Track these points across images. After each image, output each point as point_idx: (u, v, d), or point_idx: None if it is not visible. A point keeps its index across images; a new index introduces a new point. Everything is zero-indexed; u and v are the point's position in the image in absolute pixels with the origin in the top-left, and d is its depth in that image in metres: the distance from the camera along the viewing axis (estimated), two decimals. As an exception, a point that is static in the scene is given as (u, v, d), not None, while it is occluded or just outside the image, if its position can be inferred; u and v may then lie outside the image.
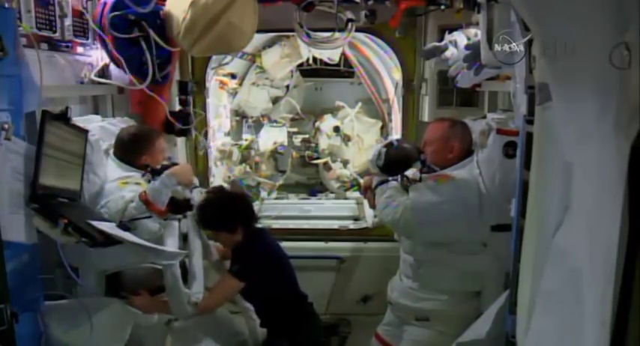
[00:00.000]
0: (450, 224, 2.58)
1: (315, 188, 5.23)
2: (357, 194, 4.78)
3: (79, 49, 2.74)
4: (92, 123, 2.67)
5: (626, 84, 1.14)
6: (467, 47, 2.73)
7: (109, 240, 2.08)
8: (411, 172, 2.83)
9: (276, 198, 4.96)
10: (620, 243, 1.19)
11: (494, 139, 2.57)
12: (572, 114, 1.43)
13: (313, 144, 5.17)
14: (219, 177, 4.52)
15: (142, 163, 2.66)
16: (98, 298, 2.48)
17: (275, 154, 5.04)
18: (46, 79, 1.99)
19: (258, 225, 3.04)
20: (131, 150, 2.67)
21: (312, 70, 5.16)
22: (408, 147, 2.81)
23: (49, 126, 2.01)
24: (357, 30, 2.99)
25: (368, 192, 2.95)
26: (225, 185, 4.52)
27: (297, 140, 5.23)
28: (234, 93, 5.03)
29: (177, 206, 2.58)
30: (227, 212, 2.79)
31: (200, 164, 3.97)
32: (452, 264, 2.69)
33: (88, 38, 2.74)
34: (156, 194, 2.40)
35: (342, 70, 5.11)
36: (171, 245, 2.57)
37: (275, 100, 5.19)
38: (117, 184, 2.49)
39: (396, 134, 4.14)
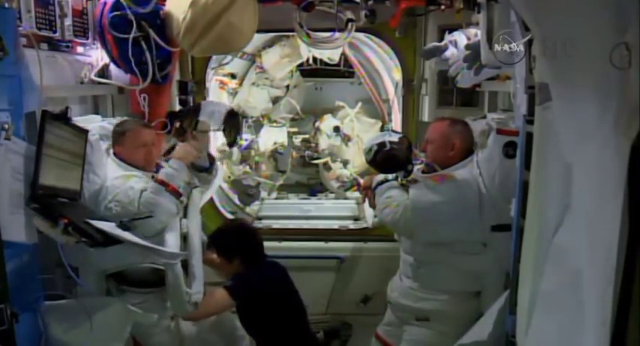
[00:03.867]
0: (450, 224, 2.58)
1: (315, 188, 5.23)
2: (357, 194, 4.78)
3: (79, 49, 2.74)
4: (92, 123, 2.67)
5: (626, 84, 1.14)
6: (467, 47, 2.73)
7: (109, 240, 2.08)
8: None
9: (276, 198, 4.97)
10: (620, 242, 1.19)
11: (494, 139, 2.57)
12: (572, 114, 1.43)
13: (313, 144, 5.18)
14: (219, 176, 4.52)
15: (118, 155, 2.64)
16: (98, 298, 2.48)
17: (275, 154, 5.04)
18: (46, 79, 2.00)
19: (265, 260, 2.95)
20: (112, 141, 2.69)
21: (312, 70, 5.16)
22: (398, 155, 2.73)
23: (49, 126, 2.01)
24: (357, 30, 2.99)
25: (368, 191, 2.95)
26: (225, 184, 4.53)
27: (297, 140, 5.24)
28: (234, 93, 5.03)
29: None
30: (230, 240, 2.84)
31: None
32: (452, 264, 2.69)
33: (88, 38, 2.74)
34: (169, 178, 2.50)
35: (342, 70, 5.11)
36: (172, 241, 2.58)
37: (275, 100, 5.19)
38: (120, 180, 2.51)
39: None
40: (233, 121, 2.84)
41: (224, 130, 2.82)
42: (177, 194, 2.50)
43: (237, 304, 2.74)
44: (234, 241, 2.86)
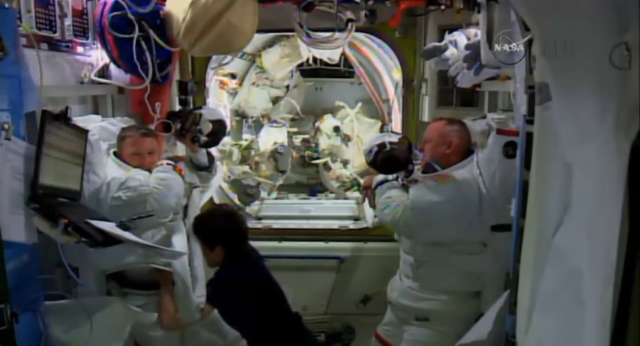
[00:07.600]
0: (450, 224, 2.58)
1: (315, 188, 5.23)
2: (357, 194, 4.78)
3: (79, 49, 2.74)
4: (92, 123, 2.67)
5: (626, 84, 1.14)
6: (467, 47, 2.73)
7: (109, 240, 2.08)
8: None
9: (276, 198, 4.97)
10: (620, 242, 1.19)
11: (494, 139, 2.57)
12: (573, 114, 1.43)
13: (313, 144, 5.18)
14: (218, 176, 4.52)
15: (119, 156, 2.69)
16: (98, 298, 2.48)
17: (275, 154, 5.04)
18: (46, 79, 1.99)
19: (247, 249, 2.89)
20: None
21: (312, 70, 5.17)
22: (398, 156, 2.72)
23: (49, 126, 2.01)
24: (357, 30, 2.98)
25: (368, 191, 2.95)
26: (225, 184, 4.53)
27: (297, 140, 5.24)
28: (234, 93, 5.03)
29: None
30: (210, 226, 2.75)
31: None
32: (452, 264, 2.69)
33: (88, 38, 2.73)
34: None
35: (342, 70, 5.11)
36: (179, 243, 2.59)
37: (275, 100, 5.19)
38: (123, 174, 2.55)
39: (396, 133, 4.14)
40: (218, 130, 2.98)
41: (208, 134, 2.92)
42: (182, 175, 2.67)
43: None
44: (215, 228, 2.74)
